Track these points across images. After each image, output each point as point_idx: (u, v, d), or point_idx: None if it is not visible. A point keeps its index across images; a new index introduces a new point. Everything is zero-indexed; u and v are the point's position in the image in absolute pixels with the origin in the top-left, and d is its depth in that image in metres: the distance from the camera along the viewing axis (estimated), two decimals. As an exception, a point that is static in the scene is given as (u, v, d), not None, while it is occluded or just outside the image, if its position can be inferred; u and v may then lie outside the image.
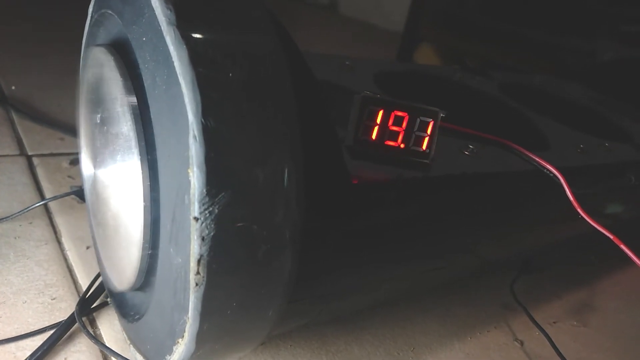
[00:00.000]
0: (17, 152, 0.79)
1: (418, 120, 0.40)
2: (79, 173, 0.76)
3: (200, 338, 0.32)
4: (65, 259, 0.58)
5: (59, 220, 0.64)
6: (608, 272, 0.85)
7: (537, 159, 0.52)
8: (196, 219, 0.28)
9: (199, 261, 0.29)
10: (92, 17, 0.44)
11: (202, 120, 0.28)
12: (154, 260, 0.36)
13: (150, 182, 0.33)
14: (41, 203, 0.65)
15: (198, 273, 0.29)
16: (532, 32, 1.53)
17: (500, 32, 1.64)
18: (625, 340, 0.69)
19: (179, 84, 0.29)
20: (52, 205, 0.67)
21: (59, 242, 0.61)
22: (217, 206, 0.29)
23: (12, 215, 0.62)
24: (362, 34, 2.48)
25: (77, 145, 0.84)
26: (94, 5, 0.43)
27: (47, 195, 0.69)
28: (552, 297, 0.74)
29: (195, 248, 0.29)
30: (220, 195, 0.29)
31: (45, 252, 0.58)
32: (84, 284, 0.54)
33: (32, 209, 0.64)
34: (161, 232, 0.32)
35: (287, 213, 0.32)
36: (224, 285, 0.31)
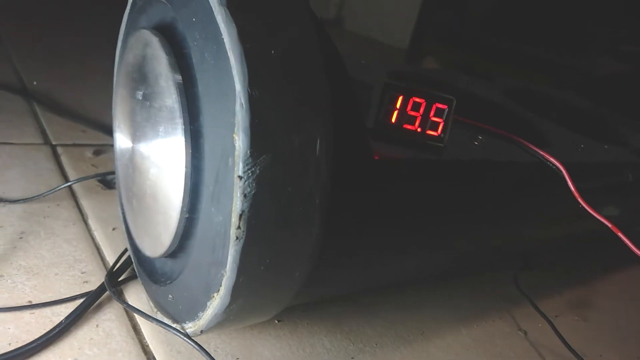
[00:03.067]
0: (42, 142, 0.83)
1: (434, 106, 0.44)
2: (103, 162, 0.80)
3: (236, 291, 0.35)
4: (92, 238, 0.61)
5: (84, 203, 0.67)
6: (606, 273, 0.88)
7: (541, 152, 0.55)
8: (240, 177, 0.32)
9: (240, 216, 0.32)
10: (135, 4, 0.48)
11: (249, 89, 0.32)
12: (190, 224, 0.39)
13: (192, 149, 0.37)
14: (67, 184, 0.69)
15: (239, 227, 0.33)
16: (534, 48, 1.59)
17: (502, 48, 1.70)
18: (623, 336, 0.72)
19: (227, 58, 0.32)
20: (78, 190, 0.70)
21: (86, 223, 0.64)
22: (258, 167, 0.32)
23: (40, 194, 0.65)
24: (368, 48, 2.53)
25: (99, 138, 0.88)
26: (138, -5, 0.47)
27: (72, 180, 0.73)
28: (553, 294, 0.77)
29: (237, 204, 0.32)
30: (261, 157, 0.32)
31: (73, 231, 0.61)
32: (111, 261, 0.57)
33: (58, 190, 0.67)
34: (203, 193, 0.36)
35: (318, 178, 0.35)
36: (260, 240, 0.34)
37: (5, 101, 0.95)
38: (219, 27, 0.33)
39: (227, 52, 0.32)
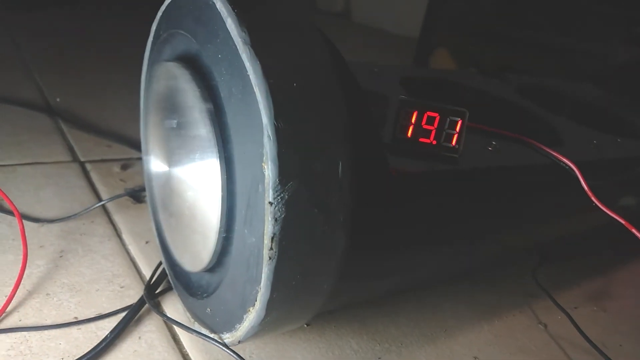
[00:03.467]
0: (70, 159, 0.86)
1: (448, 119, 0.46)
2: (131, 176, 0.83)
3: (270, 305, 0.38)
4: (128, 253, 0.64)
5: (117, 219, 0.71)
6: (624, 262, 0.89)
7: (554, 154, 0.57)
8: (271, 203, 0.35)
9: (272, 238, 0.35)
10: (159, 35, 0.51)
11: (275, 122, 0.34)
12: (226, 242, 0.42)
13: (226, 175, 0.39)
14: (101, 203, 0.72)
15: (271, 249, 0.35)
16: (546, 36, 1.58)
17: (515, 36, 1.69)
18: (643, 325, 0.73)
19: (253, 93, 0.35)
20: (110, 205, 0.74)
21: (120, 238, 0.67)
22: (287, 193, 0.35)
23: (76, 214, 0.69)
24: (377, 40, 2.54)
25: (124, 152, 0.92)
26: (162, 25, 0.50)
27: (103, 196, 0.76)
28: (572, 285, 0.79)
29: (269, 228, 0.35)
30: (289, 184, 0.35)
31: (109, 246, 0.65)
32: (147, 274, 0.61)
33: (92, 209, 0.71)
34: (237, 217, 0.39)
35: (341, 198, 0.37)
36: (291, 259, 0.37)
37: (31, 120, 0.99)
38: (244, 64, 0.35)
39: (252, 87, 0.35)
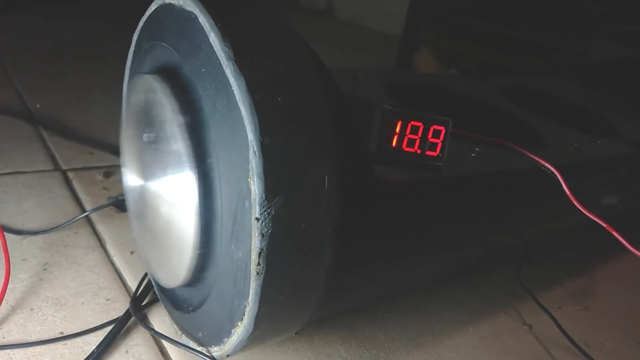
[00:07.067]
0: (52, 168, 0.85)
1: (432, 128, 0.46)
2: (114, 184, 0.82)
3: (258, 320, 0.38)
4: (113, 264, 0.64)
5: (101, 229, 0.70)
6: (606, 261, 0.90)
7: (535, 158, 0.58)
8: (257, 219, 0.34)
9: (259, 254, 0.35)
10: (140, 46, 0.50)
11: (260, 138, 0.34)
12: (205, 258, 0.41)
13: (204, 191, 0.39)
14: (84, 215, 0.71)
15: (259, 264, 0.35)
16: (527, 33, 1.60)
17: (495, 35, 1.70)
18: (624, 322, 0.75)
19: (238, 109, 0.35)
20: (93, 215, 0.73)
21: (105, 249, 0.66)
22: (273, 208, 0.35)
23: (59, 225, 0.68)
24: (360, 38, 2.54)
25: (107, 159, 0.91)
26: (143, 36, 0.49)
27: (86, 206, 0.75)
28: (555, 285, 0.80)
29: (256, 243, 0.35)
30: (276, 199, 0.35)
31: (93, 258, 0.64)
32: (132, 285, 0.60)
33: (76, 220, 0.70)
34: (222, 232, 0.38)
35: (328, 211, 0.38)
36: (278, 273, 0.37)
37: (11, 127, 0.97)
38: (228, 80, 0.35)
39: (237, 103, 0.35)
